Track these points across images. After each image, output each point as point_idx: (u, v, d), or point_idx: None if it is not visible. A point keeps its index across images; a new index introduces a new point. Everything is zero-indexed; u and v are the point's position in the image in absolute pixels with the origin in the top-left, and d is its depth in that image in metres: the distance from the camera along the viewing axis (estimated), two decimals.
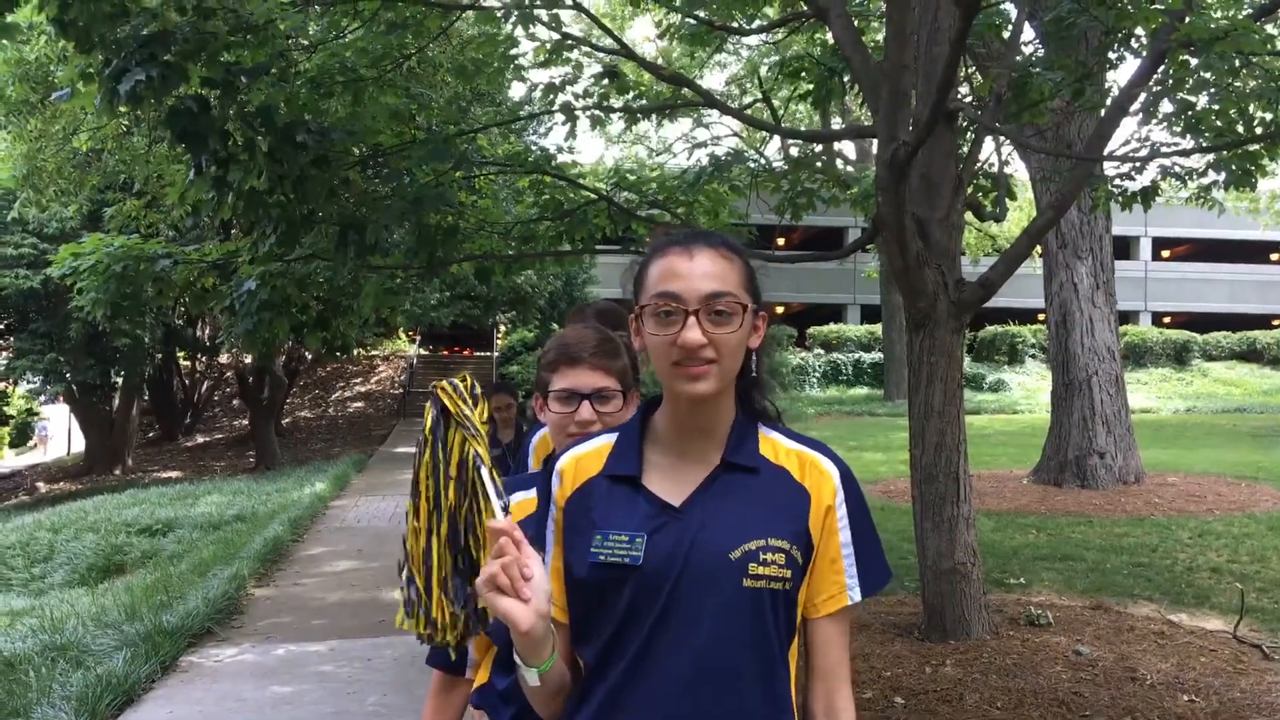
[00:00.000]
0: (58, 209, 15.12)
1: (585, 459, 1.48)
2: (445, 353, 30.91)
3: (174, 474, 20.73)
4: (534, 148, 7.18)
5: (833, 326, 28.61)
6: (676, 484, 1.41)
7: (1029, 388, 25.10)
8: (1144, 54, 5.50)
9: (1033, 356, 27.44)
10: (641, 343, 1.41)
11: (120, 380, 22.30)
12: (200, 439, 25.50)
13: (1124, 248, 30.13)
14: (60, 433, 31.80)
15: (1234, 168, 5.39)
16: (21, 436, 32.60)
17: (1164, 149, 5.66)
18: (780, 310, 31.61)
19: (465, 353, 30.45)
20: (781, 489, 1.42)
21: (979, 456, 12.48)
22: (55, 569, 11.04)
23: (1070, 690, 4.66)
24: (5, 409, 28.55)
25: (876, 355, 26.48)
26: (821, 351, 27.61)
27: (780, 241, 28.30)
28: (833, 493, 1.44)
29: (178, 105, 4.39)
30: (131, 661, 5.35)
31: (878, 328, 26.68)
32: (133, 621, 6.28)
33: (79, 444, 25.55)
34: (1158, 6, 4.86)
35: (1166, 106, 5.66)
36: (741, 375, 1.44)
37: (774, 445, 1.47)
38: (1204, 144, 5.42)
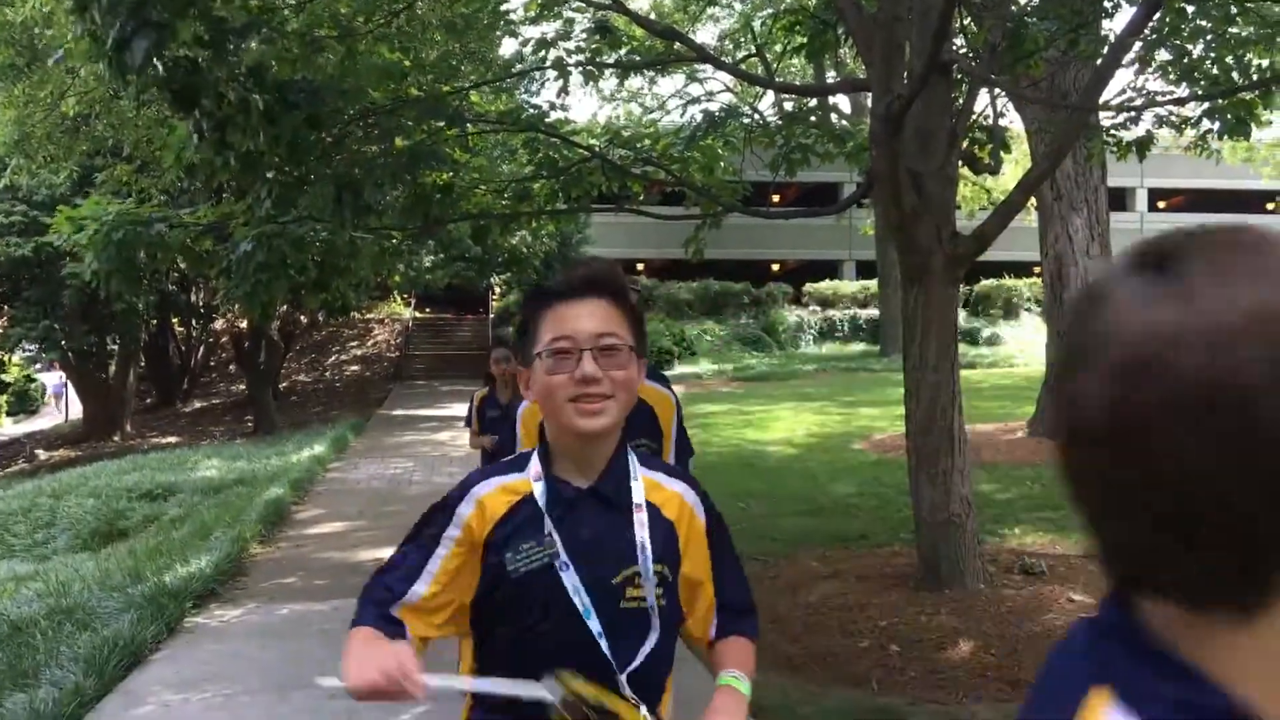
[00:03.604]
0: (47, 175, 15.00)
1: None
2: (450, 316, 30.62)
3: (172, 439, 20.78)
4: (527, 106, 7.13)
5: (828, 283, 28.57)
6: None
7: (1024, 341, 25.13)
8: (1139, 2, 5.46)
9: (1028, 310, 27.45)
10: None
11: (116, 347, 22.28)
12: (198, 404, 25.53)
13: (1120, 199, 30.01)
14: (53, 398, 31.80)
15: (1229, 116, 5.37)
16: (21, 404, 32.58)
17: (1159, 98, 5.64)
18: (776, 268, 31.53)
19: (467, 317, 30.33)
20: None
21: (974, 410, 12.53)
22: (58, 534, 11.11)
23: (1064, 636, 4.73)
24: (3, 377, 28.52)
25: (872, 311, 26.48)
26: (817, 308, 27.61)
27: (775, 198, 28.16)
28: None
29: (172, 64, 4.34)
30: (137, 623, 5.41)
31: (873, 284, 26.64)
32: (137, 584, 6.34)
33: (76, 411, 25.58)
34: None
35: (1162, 55, 5.63)
36: None
37: None
38: (1199, 92, 5.40)
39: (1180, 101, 5.49)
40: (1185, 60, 5.41)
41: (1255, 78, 5.27)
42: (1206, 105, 5.49)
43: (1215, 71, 5.29)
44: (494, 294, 28.10)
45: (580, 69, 6.24)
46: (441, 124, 5.73)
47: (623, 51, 6.42)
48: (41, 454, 22.20)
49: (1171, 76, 5.52)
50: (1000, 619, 4.99)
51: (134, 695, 4.63)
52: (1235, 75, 5.26)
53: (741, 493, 8.88)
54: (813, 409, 15.59)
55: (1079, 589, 5.42)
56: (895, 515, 7.54)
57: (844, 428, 13.04)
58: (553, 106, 6.87)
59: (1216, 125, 5.48)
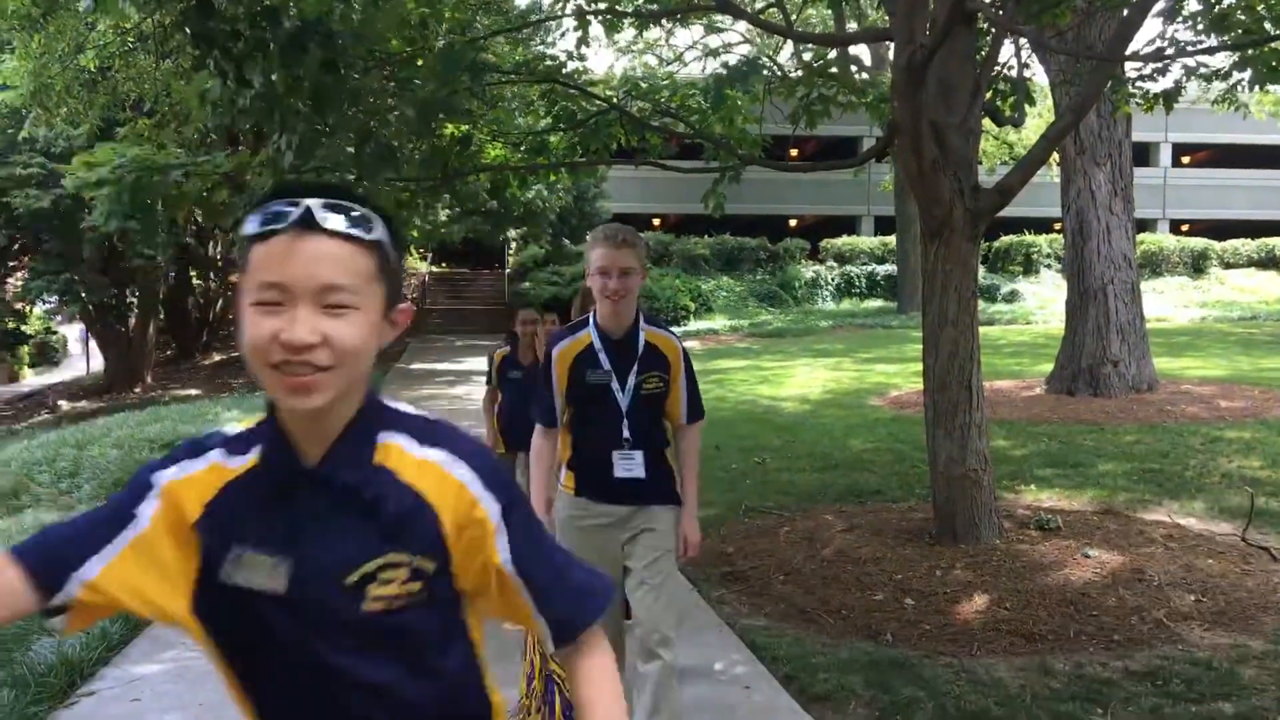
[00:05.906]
0: (65, 128, 14.98)
1: None
2: (467, 271, 30.59)
3: (193, 391, 20.96)
4: (545, 57, 7.05)
5: (846, 239, 28.36)
6: None
7: (1044, 298, 24.96)
8: None
9: (1047, 267, 27.21)
10: None
11: (135, 300, 22.42)
12: (218, 357, 25.70)
13: (1143, 154, 29.54)
14: (81, 348, 32.06)
15: (1260, 66, 5.26)
16: (42, 355, 32.89)
17: (1188, 48, 5.53)
18: (794, 223, 31.29)
19: (483, 272, 30.27)
20: None
21: (992, 367, 12.51)
22: (82, 483, 11.25)
23: (1078, 591, 4.76)
24: (23, 328, 28.75)
25: (890, 268, 26.31)
26: (835, 264, 27.44)
27: (794, 153, 27.90)
28: None
29: (187, 6, 4.30)
30: None
31: (892, 239, 26.44)
32: None
33: (98, 363, 25.82)
34: None
35: (1191, 4, 5.52)
36: None
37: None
38: (1229, 42, 5.29)
39: (1209, 51, 5.38)
40: (1215, 9, 5.29)
41: None
42: (1236, 56, 5.39)
43: (1245, 20, 5.18)
44: (510, 249, 28.05)
45: (600, 18, 6.16)
46: (460, 75, 5.67)
47: (641, 0, 6.33)
48: (64, 405, 22.44)
49: (1200, 26, 5.41)
50: (1015, 574, 5.01)
51: (160, 640, 4.72)
52: (1267, 25, 5.15)
53: (757, 448, 8.91)
54: (828, 365, 15.57)
55: (1093, 544, 5.44)
56: (911, 471, 7.56)
57: (860, 384, 13.03)
58: (570, 57, 6.80)
59: (1247, 75, 5.37)
